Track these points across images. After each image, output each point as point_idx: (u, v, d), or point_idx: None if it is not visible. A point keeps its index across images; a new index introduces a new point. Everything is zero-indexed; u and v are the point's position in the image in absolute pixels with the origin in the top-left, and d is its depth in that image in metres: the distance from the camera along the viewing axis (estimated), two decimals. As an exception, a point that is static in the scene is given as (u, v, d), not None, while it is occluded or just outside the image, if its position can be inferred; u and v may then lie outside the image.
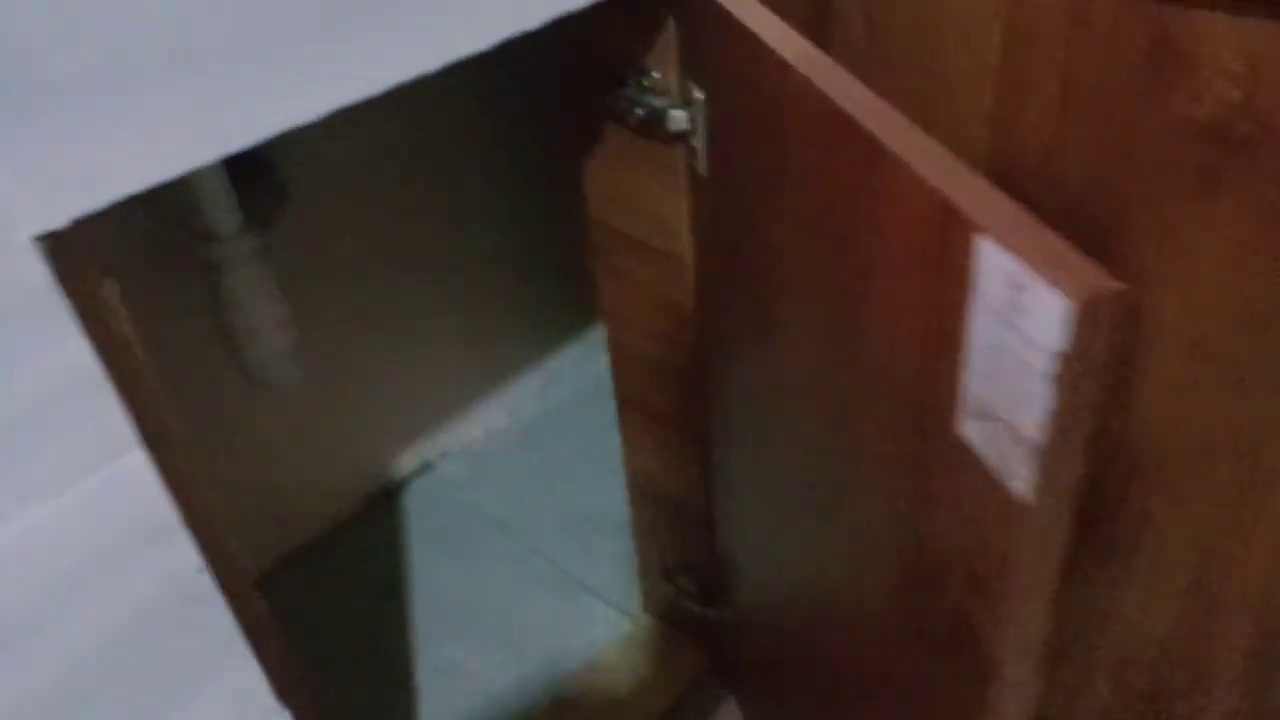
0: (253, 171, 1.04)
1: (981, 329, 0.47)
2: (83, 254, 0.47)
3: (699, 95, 0.72)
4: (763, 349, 0.77)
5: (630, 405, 1.07)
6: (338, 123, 0.52)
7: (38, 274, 0.45)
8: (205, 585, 0.58)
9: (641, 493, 1.15)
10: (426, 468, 1.51)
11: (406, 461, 1.49)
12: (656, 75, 0.77)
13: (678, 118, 0.76)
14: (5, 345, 0.46)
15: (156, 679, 0.58)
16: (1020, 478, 0.48)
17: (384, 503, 1.46)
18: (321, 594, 1.34)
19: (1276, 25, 0.53)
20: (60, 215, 0.45)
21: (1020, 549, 0.50)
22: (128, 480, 0.52)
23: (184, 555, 0.56)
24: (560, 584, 1.35)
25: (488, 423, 1.57)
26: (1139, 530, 0.74)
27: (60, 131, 0.44)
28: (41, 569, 0.51)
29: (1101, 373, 0.44)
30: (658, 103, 0.77)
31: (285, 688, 0.63)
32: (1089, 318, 0.42)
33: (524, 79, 1.35)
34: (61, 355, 0.47)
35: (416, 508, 1.46)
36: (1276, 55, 0.54)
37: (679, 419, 1.01)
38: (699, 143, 0.75)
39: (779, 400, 0.78)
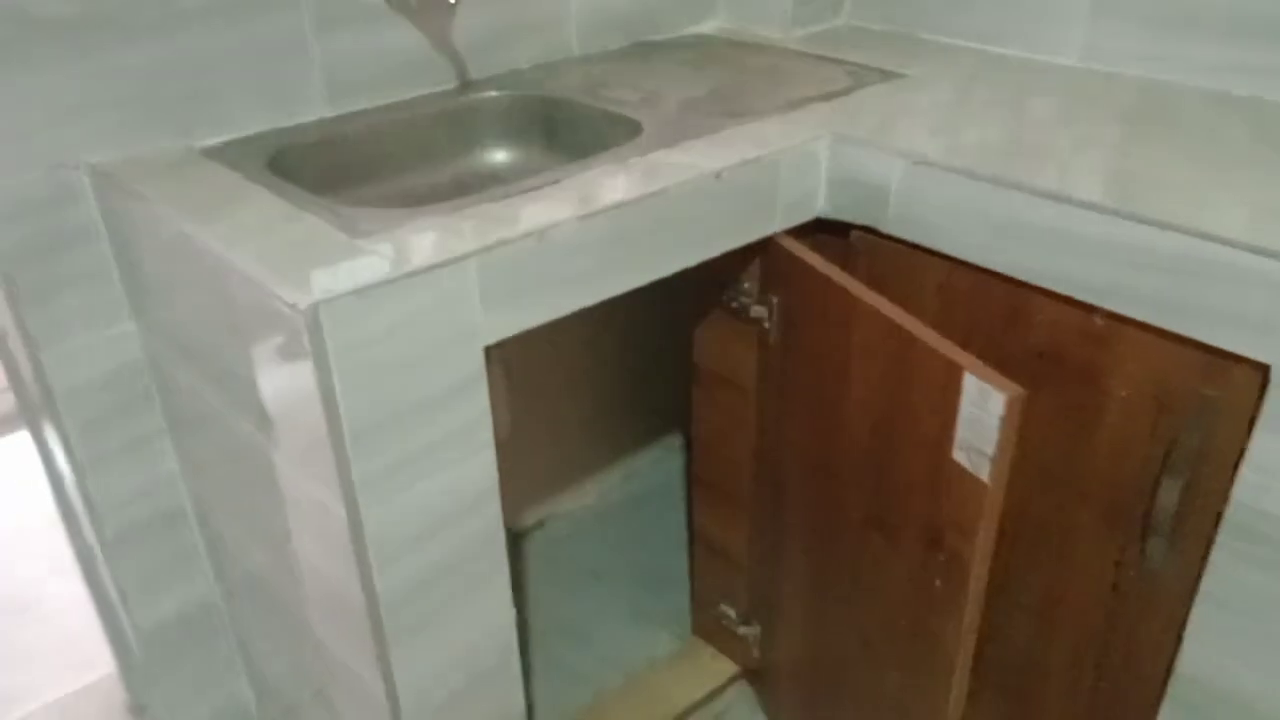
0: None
1: (968, 409, 1.00)
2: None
3: (775, 299, 1.29)
4: (813, 441, 1.27)
5: (704, 484, 1.60)
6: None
7: (476, 364, 1.00)
8: (499, 530, 1.12)
9: (703, 546, 1.67)
10: (540, 524, 2.05)
11: (528, 517, 2.03)
12: (746, 285, 1.35)
13: (758, 311, 1.33)
14: (460, 401, 0.98)
15: (466, 579, 1.10)
16: (986, 474, 0.99)
17: (512, 544, 1.99)
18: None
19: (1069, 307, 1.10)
20: (499, 335, 0.99)
21: (987, 509, 1.01)
22: (485, 464, 1.06)
23: (494, 509, 1.10)
24: (633, 615, 1.85)
25: (583, 499, 2.11)
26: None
27: (529, 282, 0.98)
28: (439, 505, 1.02)
29: (1017, 425, 0.98)
30: (746, 300, 1.35)
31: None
32: (1014, 405, 0.96)
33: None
34: (475, 404, 1.01)
35: (533, 552, 2.00)
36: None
37: (735, 494, 1.55)
38: (770, 324, 1.32)
39: (815, 476, 1.33)
